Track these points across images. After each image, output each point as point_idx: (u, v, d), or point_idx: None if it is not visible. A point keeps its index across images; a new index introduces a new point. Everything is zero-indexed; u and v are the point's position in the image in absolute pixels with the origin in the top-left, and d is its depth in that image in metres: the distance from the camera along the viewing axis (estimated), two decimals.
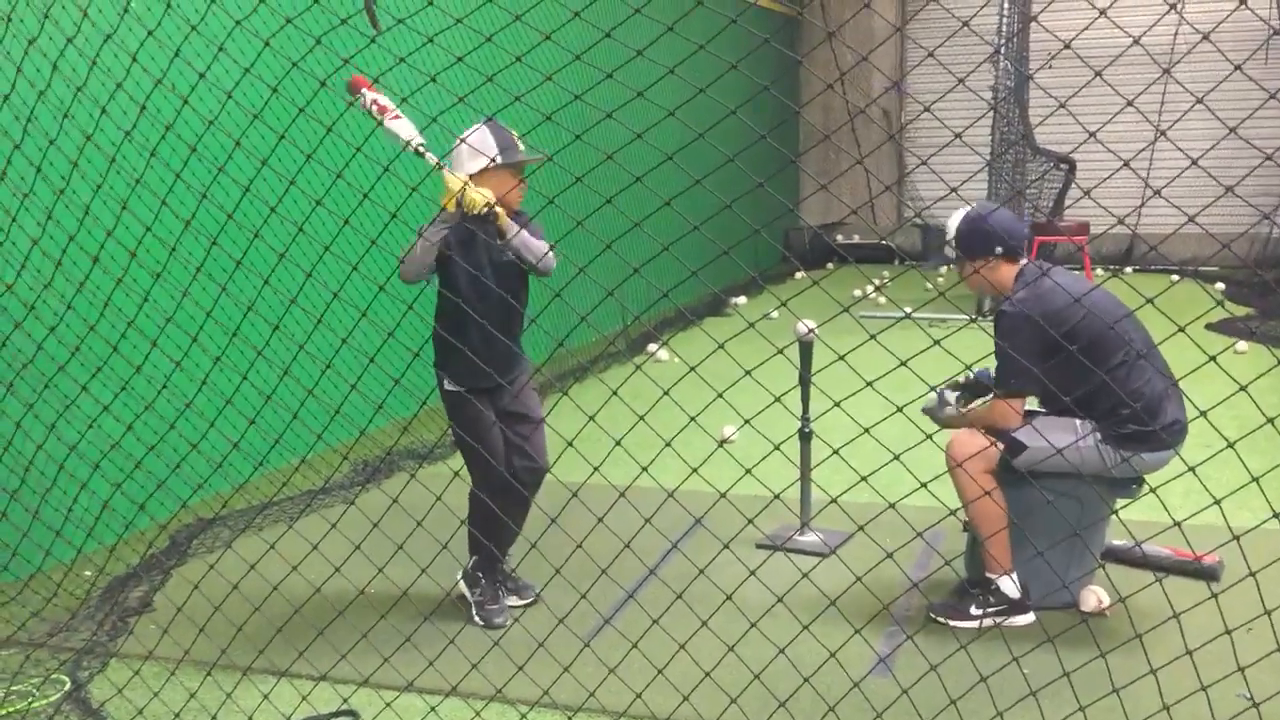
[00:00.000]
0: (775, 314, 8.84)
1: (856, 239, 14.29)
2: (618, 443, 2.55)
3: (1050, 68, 12.04)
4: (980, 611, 3.73)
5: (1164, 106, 12.32)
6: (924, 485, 2.69)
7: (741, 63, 2.41)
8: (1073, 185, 11.57)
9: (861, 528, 2.61)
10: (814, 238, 14.02)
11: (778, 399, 2.65)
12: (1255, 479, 2.34)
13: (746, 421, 2.62)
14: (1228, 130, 2.05)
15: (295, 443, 4.47)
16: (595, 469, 2.87)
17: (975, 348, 3.49)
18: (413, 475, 2.97)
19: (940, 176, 2.37)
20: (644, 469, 2.78)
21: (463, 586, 3.99)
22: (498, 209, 3.49)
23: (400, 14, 5.53)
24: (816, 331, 4.16)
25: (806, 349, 4.43)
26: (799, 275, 12.63)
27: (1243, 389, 2.27)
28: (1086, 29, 2.29)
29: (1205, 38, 2.24)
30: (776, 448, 2.70)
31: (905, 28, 14.08)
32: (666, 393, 2.51)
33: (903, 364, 2.41)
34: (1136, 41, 2.22)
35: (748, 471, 2.63)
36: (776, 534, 4.60)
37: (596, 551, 3.37)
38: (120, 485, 3.64)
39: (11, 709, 3.34)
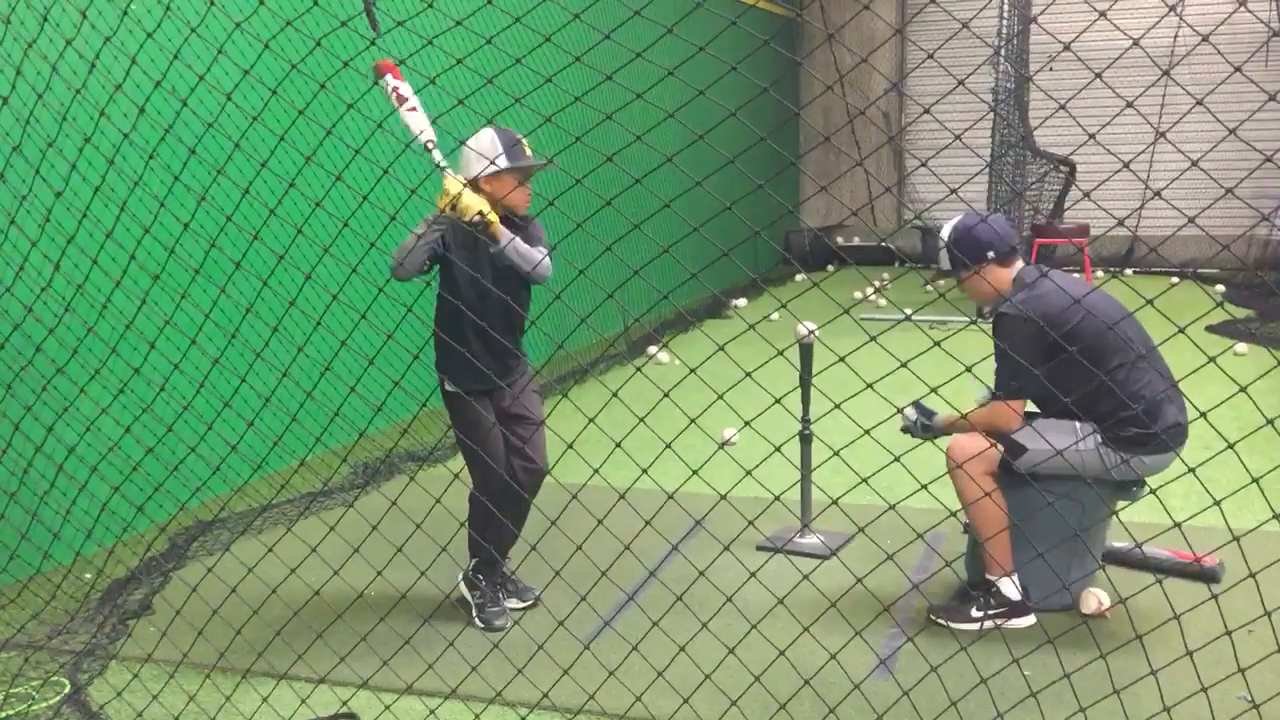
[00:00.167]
0: (775, 316, 8.84)
1: (857, 241, 14.29)
2: (618, 445, 2.55)
3: (1050, 70, 12.04)
4: (981, 613, 3.73)
5: (1164, 108, 12.33)
6: (924, 487, 2.69)
7: (741, 65, 2.40)
8: (1073, 187, 11.58)
9: (862, 529, 2.61)
10: (814, 240, 14.03)
11: (778, 401, 2.65)
12: (1255, 480, 2.34)
13: (747, 423, 2.61)
14: (1227, 132, 2.05)
15: (294, 445, 4.48)
16: (595, 471, 2.86)
17: (975, 349, 3.49)
18: (412, 478, 2.96)
19: (940, 178, 2.37)
20: (644, 471, 2.78)
21: (463, 589, 3.99)
22: (490, 217, 3.49)
23: (400, 16, 5.54)
24: (817, 333, 4.16)
25: (807, 351, 4.43)
26: (799, 277, 12.63)
27: (1242, 390, 2.26)
28: (1086, 31, 2.29)
29: (1205, 39, 2.24)
30: (777, 449, 2.70)
31: (905, 29, 14.08)
32: (666, 395, 2.51)
33: (903, 365, 2.41)
34: (1136, 43, 2.22)
35: (748, 473, 2.63)
36: (777, 536, 4.60)
37: (597, 554, 3.37)
38: (119, 487, 3.64)
39: (11, 711, 3.34)
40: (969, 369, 2.47)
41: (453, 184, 3.47)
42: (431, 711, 3.12)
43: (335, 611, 3.74)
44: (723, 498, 2.89)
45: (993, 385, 3.72)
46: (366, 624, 3.65)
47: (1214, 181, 2.18)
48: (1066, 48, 2.16)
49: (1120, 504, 3.82)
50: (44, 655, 3.69)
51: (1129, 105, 2.26)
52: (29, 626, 3.87)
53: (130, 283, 3.88)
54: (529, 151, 3.72)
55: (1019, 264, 3.78)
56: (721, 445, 3.33)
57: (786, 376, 3.05)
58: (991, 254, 3.72)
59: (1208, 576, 4.05)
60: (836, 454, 2.58)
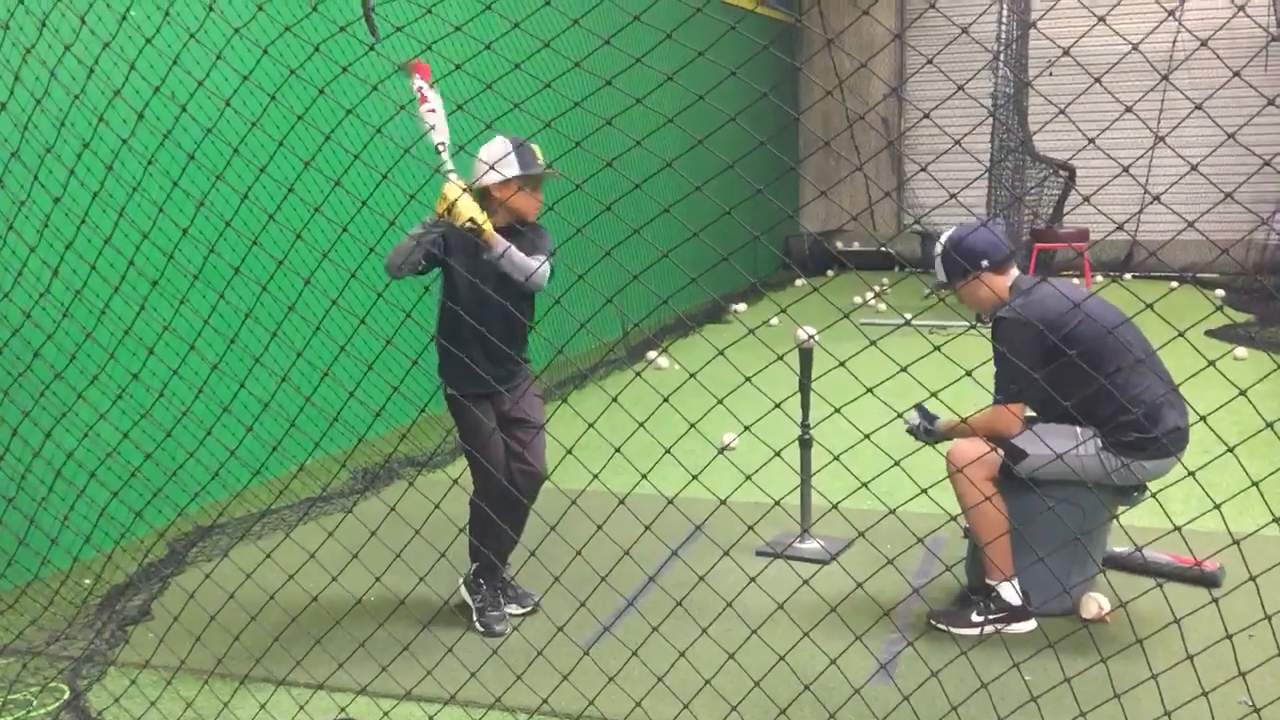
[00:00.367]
0: (775, 321, 8.84)
1: (856, 246, 14.29)
2: (617, 450, 2.55)
3: (1050, 74, 12.06)
4: (981, 618, 3.72)
5: (1163, 113, 12.33)
6: (924, 491, 2.68)
7: (741, 70, 2.40)
8: (1072, 192, 11.57)
9: (862, 534, 2.60)
10: (814, 244, 14.03)
11: (778, 405, 2.64)
12: (1255, 484, 2.34)
13: (746, 428, 2.61)
14: (1226, 136, 2.05)
15: (294, 450, 4.47)
16: (595, 476, 2.86)
17: (975, 354, 3.48)
18: (411, 483, 2.96)
19: (940, 183, 2.37)
20: (644, 476, 2.77)
21: (464, 593, 3.98)
22: (483, 224, 3.49)
23: (399, 21, 5.54)
24: (816, 338, 4.16)
25: (806, 355, 4.43)
26: (799, 282, 12.63)
27: (1242, 394, 2.26)
28: (1085, 35, 2.29)
29: (1204, 44, 2.24)
30: (777, 454, 2.69)
31: (904, 34, 14.09)
32: (666, 399, 2.51)
33: (903, 369, 2.40)
34: (1135, 48, 2.22)
35: (748, 478, 2.63)
36: (777, 541, 4.59)
37: (596, 559, 3.36)
38: (118, 493, 3.64)
39: (10, 718, 3.33)
40: (969, 373, 2.47)
41: (451, 189, 3.48)
42: (430, 717, 3.12)
43: (334, 617, 3.74)
44: (722, 503, 2.89)
45: (992, 390, 3.72)
46: (365, 630, 3.65)
47: (1213, 186, 2.18)
48: (1066, 52, 2.17)
49: (1120, 509, 3.82)
50: (42, 661, 3.68)
51: (1128, 110, 2.26)
52: (27, 632, 3.87)
53: (129, 288, 3.88)
54: (541, 160, 3.73)
55: (1014, 272, 3.80)
56: (721, 450, 3.32)
57: (786, 381, 3.04)
58: (986, 262, 3.73)
59: (1208, 581, 4.04)
60: (836, 458, 2.58)
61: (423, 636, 3.52)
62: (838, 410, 2.52)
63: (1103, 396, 3.46)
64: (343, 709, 3.24)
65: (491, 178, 3.64)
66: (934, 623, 3.78)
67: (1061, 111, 2.32)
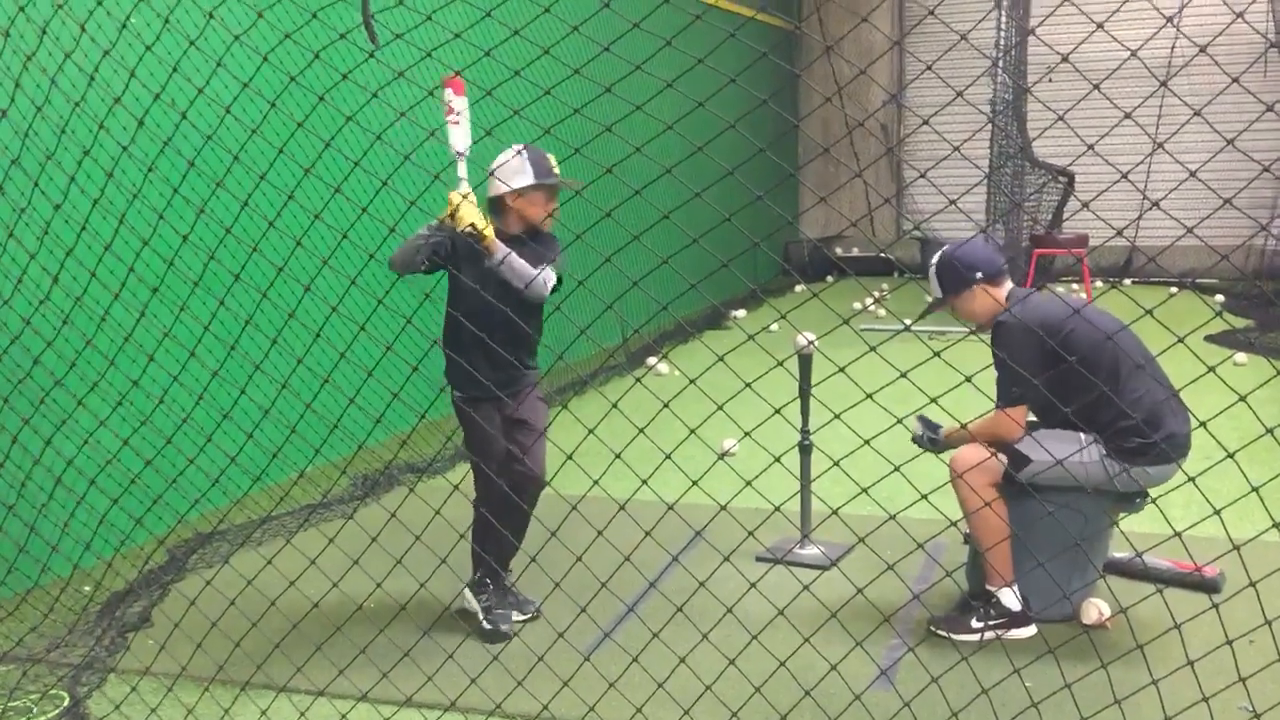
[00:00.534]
0: (775, 327, 8.84)
1: (856, 252, 14.30)
2: (617, 456, 2.54)
3: (1049, 81, 12.07)
4: (981, 624, 3.72)
5: (1162, 119, 12.36)
6: (924, 497, 2.68)
7: (740, 77, 2.41)
8: (1071, 198, 11.59)
9: (862, 540, 2.60)
10: (813, 250, 14.03)
11: (778, 411, 2.64)
12: (1255, 489, 2.34)
13: (746, 434, 2.62)
14: (1225, 142, 2.05)
15: (294, 457, 4.47)
16: (595, 482, 2.86)
17: (975, 360, 3.49)
18: (411, 489, 2.96)
19: (939, 189, 2.38)
20: (644, 482, 2.77)
21: (468, 597, 3.98)
22: (484, 231, 3.50)
23: (398, 29, 5.55)
24: (816, 344, 4.16)
25: (806, 361, 4.43)
26: (798, 288, 12.64)
27: (1242, 400, 2.26)
28: (1084, 42, 2.30)
29: (1202, 50, 2.25)
30: (777, 460, 2.69)
31: (903, 41, 14.12)
32: (666, 405, 2.51)
33: (902, 375, 2.41)
34: (1134, 54, 2.22)
35: (748, 484, 2.63)
36: (777, 547, 4.59)
37: (596, 565, 3.37)
38: (118, 500, 3.64)
39: None
40: (968, 379, 2.47)
41: (457, 195, 3.49)
42: None
43: (334, 624, 3.73)
44: (723, 508, 2.88)
45: (994, 396, 3.72)
46: (366, 636, 3.65)
47: (1212, 192, 2.19)
48: (1065, 59, 2.17)
49: (1121, 515, 3.82)
50: (42, 668, 3.68)
51: (1127, 116, 2.27)
52: (27, 639, 3.87)
53: (129, 295, 3.89)
54: (557, 171, 3.75)
55: (1009, 284, 3.82)
56: (721, 456, 3.32)
57: (786, 387, 3.04)
58: (980, 274, 3.75)
59: (1208, 586, 4.04)
60: (836, 464, 2.58)
61: (423, 643, 3.52)
62: (837, 416, 2.52)
63: (1102, 402, 3.46)
64: (343, 715, 3.23)
65: (506, 186, 3.66)
66: (934, 629, 3.78)
67: (1060, 118, 2.32)
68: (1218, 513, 2.39)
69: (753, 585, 2.78)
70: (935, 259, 3.89)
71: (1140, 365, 3.54)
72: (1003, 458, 3.59)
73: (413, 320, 2.98)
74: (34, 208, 3.91)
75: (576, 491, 4.02)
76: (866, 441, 2.59)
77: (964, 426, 3.23)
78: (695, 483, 2.76)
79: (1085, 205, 2.06)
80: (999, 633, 3.69)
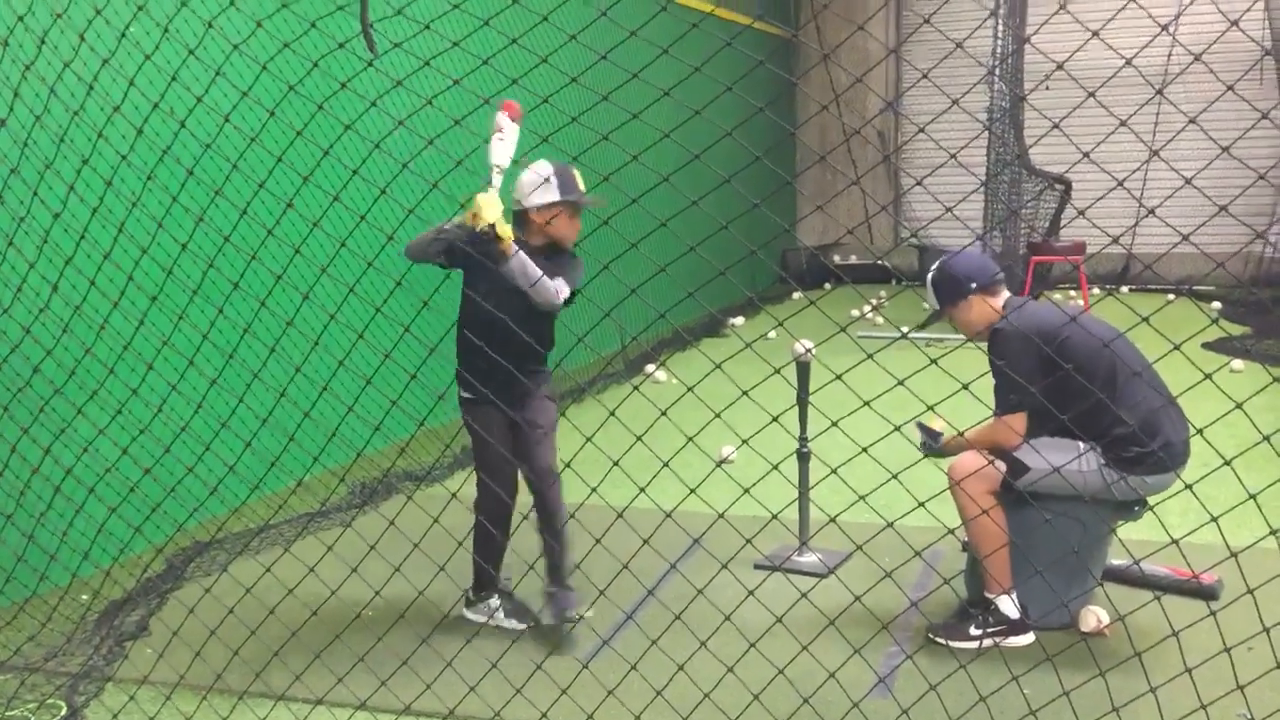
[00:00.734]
0: (773, 334, 8.85)
1: (853, 259, 14.32)
2: (615, 464, 2.55)
3: (1046, 88, 12.09)
4: (980, 631, 3.72)
5: (1158, 127, 12.38)
6: (922, 504, 2.69)
7: (737, 84, 2.42)
8: (1068, 205, 11.60)
9: (860, 547, 2.61)
10: (811, 258, 14.05)
11: (775, 419, 2.65)
12: (1252, 497, 2.35)
13: (744, 442, 2.62)
14: (1221, 150, 2.06)
15: (292, 465, 4.47)
16: (593, 490, 2.87)
17: (972, 367, 3.50)
18: (410, 497, 2.97)
19: (936, 197, 2.38)
20: (642, 490, 2.78)
21: (469, 615, 4.00)
22: (501, 231, 3.50)
23: (397, 37, 5.56)
24: (814, 351, 4.17)
25: (804, 369, 4.43)
26: (796, 295, 12.65)
27: (1239, 407, 2.27)
28: (1080, 50, 2.31)
29: (1197, 58, 2.26)
30: (775, 468, 2.70)
31: (900, 49, 14.15)
32: (664, 413, 2.51)
33: (900, 383, 2.41)
34: (1129, 62, 2.24)
35: (746, 491, 2.63)
36: (775, 554, 4.59)
37: (595, 573, 3.37)
38: (116, 509, 3.63)
39: None
40: (965, 386, 2.48)
41: (483, 196, 3.49)
42: None
43: (333, 632, 3.73)
44: (721, 516, 2.89)
45: (992, 403, 3.73)
46: (364, 644, 3.65)
47: (1208, 199, 2.20)
48: (1060, 67, 2.18)
49: (1119, 523, 3.82)
50: (40, 677, 3.67)
51: (1123, 124, 2.28)
52: (25, 649, 3.86)
53: (128, 304, 3.89)
54: (582, 187, 3.75)
55: (1005, 293, 3.84)
56: (719, 463, 3.33)
57: (784, 395, 3.05)
58: (975, 284, 3.77)
59: (1206, 594, 4.04)
60: (834, 472, 2.58)
61: (422, 650, 3.51)
62: (835, 424, 2.53)
63: (1099, 409, 3.47)
64: None
65: (531, 201, 3.67)
66: (933, 636, 3.78)
67: (1056, 126, 2.34)
68: (1215, 520, 2.40)
69: (751, 593, 2.78)
70: (931, 271, 3.91)
71: (1137, 373, 3.55)
72: (1001, 465, 3.59)
73: (411, 329, 2.99)
74: (33, 217, 3.92)
75: (575, 500, 4.02)
76: (865, 449, 2.60)
77: (961, 434, 3.24)
78: (693, 490, 2.76)
79: (1082, 213, 2.06)
80: (997, 640, 3.69)
